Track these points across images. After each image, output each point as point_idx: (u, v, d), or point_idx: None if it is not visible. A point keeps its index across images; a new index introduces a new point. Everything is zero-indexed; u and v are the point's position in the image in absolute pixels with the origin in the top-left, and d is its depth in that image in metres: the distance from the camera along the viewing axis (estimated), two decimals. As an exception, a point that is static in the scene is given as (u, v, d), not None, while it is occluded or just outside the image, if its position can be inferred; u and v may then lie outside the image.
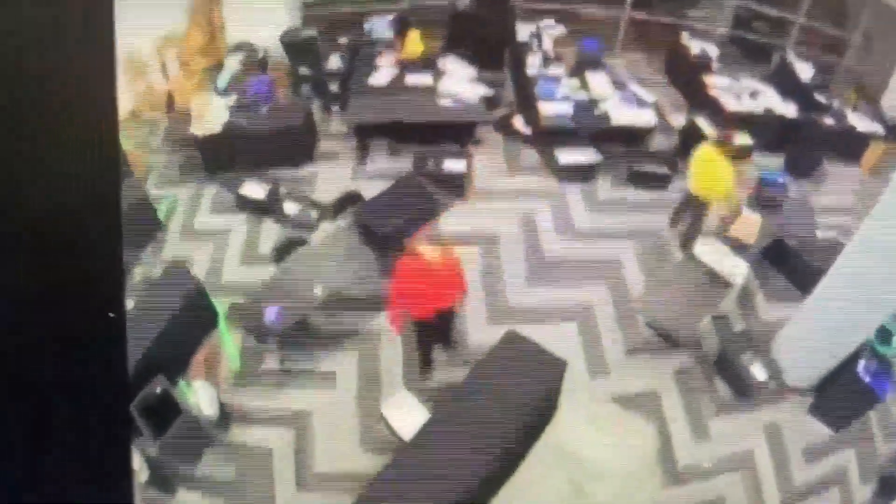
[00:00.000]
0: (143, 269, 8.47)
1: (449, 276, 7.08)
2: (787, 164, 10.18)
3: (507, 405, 6.62)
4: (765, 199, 9.01)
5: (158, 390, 7.05)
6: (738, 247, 8.38)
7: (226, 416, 7.44)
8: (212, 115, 9.69)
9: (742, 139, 9.68)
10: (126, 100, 9.71)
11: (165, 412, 7.03)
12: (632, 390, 7.71)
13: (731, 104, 10.37)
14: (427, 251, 6.91)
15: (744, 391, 7.73)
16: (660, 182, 9.73)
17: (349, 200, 8.97)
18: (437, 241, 7.32)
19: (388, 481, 6.37)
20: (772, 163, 10.12)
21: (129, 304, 7.11)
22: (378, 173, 9.66)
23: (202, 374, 7.74)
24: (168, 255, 8.87)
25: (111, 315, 5.15)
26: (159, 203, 9.35)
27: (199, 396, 7.38)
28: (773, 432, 7.61)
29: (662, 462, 7.19)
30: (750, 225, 8.61)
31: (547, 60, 10.74)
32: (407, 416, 7.06)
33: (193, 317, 7.83)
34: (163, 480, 7.00)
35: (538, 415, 6.88)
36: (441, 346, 7.73)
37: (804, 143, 10.35)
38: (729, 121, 9.91)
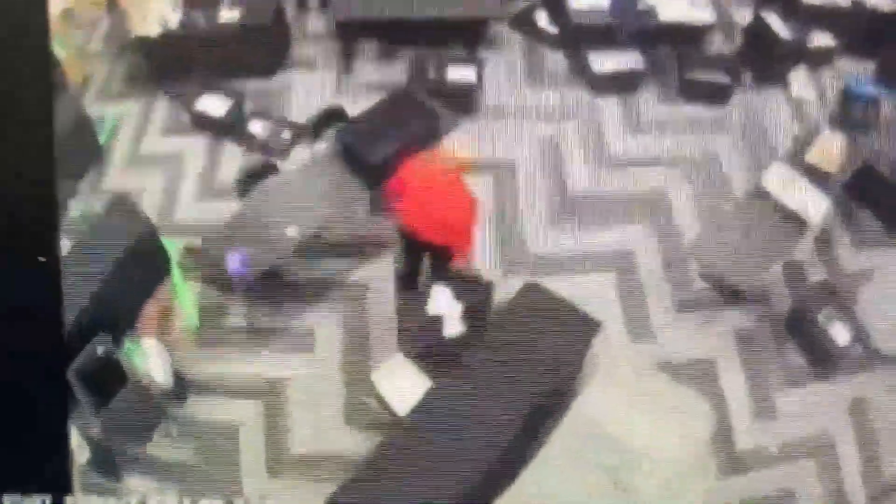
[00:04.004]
0: (80, 204, 8.59)
1: (458, 206, 7.24)
2: (880, 71, 10.05)
3: (525, 375, 6.79)
4: (851, 115, 9.00)
5: (100, 352, 7.11)
6: (817, 176, 8.34)
7: (182, 385, 7.59)
8: (160, 9, 9.66)
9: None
10: (57, -4, 9.69)
11: (109, 379, 7.12)
12: (682, 358, 7.75)
13: (809, -7, 10.30)
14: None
15: (821, 359, 7.76)
16: (719, 94, 9.72)
17: (331, 119, 8.95)
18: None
19: (378, 465, 6.57)
20: (860, 69, 10.01)
21: (64, 246, 7.17)
22: (366, 85, 9.70)
23: (153, 332, 7.82)
24: (111, 186, 8.95)
25: (42, 259, 5.31)
26: (99, 123, 9.39)
27: (149, 360, 7.50)
28: (859, 411, 7.63)
29: (719, 447, 7.25)
30: (832, 149, 8.53)
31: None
32: (402, 385, 7.18)
33: (142, 262, 7.87)
34: (107, 463, 7.16)
35: (564, 388, 7.03)
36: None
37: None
38: (806, 16, 9.86)
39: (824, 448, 7.45)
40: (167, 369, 7.51)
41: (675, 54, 9.99)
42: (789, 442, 7.44)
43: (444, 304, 7.33)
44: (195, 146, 9.34)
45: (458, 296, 7.36)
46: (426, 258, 7.63)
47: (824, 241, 8.53)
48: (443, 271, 7.59)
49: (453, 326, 7.23)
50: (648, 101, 9.76)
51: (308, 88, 9.74)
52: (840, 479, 7.31)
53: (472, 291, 7.47)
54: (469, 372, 6.92)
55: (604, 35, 9.85)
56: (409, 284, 7.74)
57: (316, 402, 7.54)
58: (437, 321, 7.29)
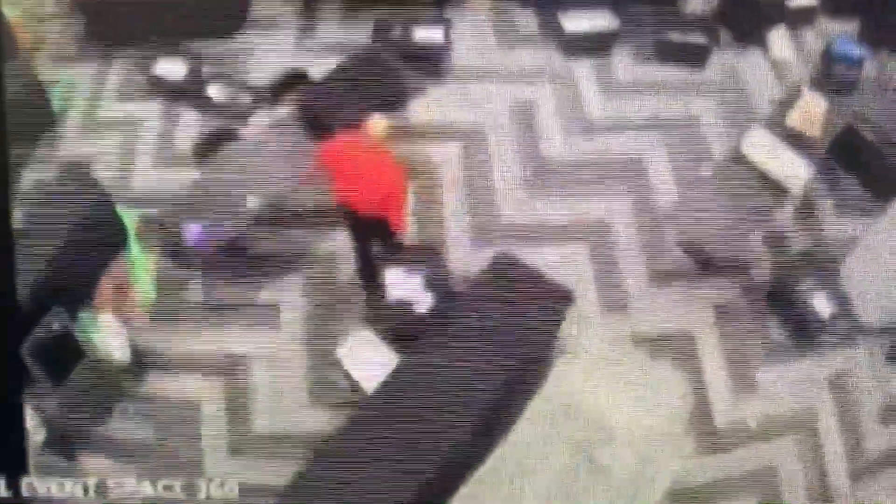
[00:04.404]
0: (33, 173, 8.45)
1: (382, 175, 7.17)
2: (863, 32, 9.98)
3: (497, 348, 6.69)
4: (834, 77, 8.92)
5: (56, 327, 7.05)
6: (799, 141, 8.29)
7: (140, 362, 7.51)
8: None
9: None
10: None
11: (64, 355, 7.09)
12: (658, 331, 7.75)
13: (789, -49, 10.20)
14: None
15: (803, 331, 7.75)
16: (696, 56, 9.60)
17: (292, 82, 8.85)
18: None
19: (344, 444, 6.50)
20: (842, 29, 9.91)
21: (17, 216, 7.07)
22: (329, 45, 9.53)
23: (109, 306, 7.72)
24: (65, 154, 8.85)
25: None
26: (53, 87, 9.24)
27: (106, 335, 7.43)
28: (840, 385, 7.65)
29: (696, 423, 7.21)
30: (813, 111, 8.49)
31: None
32: (369, 361, 7.10)
33: (97, 233, 7.76)
34: (63, 442, 7.08)
35: (537, 361, 6.95)
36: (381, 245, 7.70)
37: (887, 3, 10.20)
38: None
39: (805, 423, 7.45)
40: (124, 345, 7.45)
41: (650, 13, 9.82)
42: (769, 417, 7.43)
43: (402, 286, 7.28)
44: (152, 111, 9.18)
45: (415, 269, 7.39)
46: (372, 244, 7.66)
47: (806, 209, 8.48)
48: (394, 250, 7.62)
49: (422, 302, 7.17)
50: (623, 63, 9.65)
51: (268, 50, 9.57)
52: (821, 455, 7.31)
53: (427, 260, 7.51)
54: (439, 346, 6.83)
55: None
56: (370, 276, 7.70)
57: (279, 378, 7.49)
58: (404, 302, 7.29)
